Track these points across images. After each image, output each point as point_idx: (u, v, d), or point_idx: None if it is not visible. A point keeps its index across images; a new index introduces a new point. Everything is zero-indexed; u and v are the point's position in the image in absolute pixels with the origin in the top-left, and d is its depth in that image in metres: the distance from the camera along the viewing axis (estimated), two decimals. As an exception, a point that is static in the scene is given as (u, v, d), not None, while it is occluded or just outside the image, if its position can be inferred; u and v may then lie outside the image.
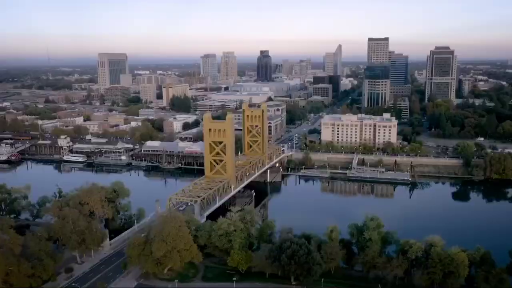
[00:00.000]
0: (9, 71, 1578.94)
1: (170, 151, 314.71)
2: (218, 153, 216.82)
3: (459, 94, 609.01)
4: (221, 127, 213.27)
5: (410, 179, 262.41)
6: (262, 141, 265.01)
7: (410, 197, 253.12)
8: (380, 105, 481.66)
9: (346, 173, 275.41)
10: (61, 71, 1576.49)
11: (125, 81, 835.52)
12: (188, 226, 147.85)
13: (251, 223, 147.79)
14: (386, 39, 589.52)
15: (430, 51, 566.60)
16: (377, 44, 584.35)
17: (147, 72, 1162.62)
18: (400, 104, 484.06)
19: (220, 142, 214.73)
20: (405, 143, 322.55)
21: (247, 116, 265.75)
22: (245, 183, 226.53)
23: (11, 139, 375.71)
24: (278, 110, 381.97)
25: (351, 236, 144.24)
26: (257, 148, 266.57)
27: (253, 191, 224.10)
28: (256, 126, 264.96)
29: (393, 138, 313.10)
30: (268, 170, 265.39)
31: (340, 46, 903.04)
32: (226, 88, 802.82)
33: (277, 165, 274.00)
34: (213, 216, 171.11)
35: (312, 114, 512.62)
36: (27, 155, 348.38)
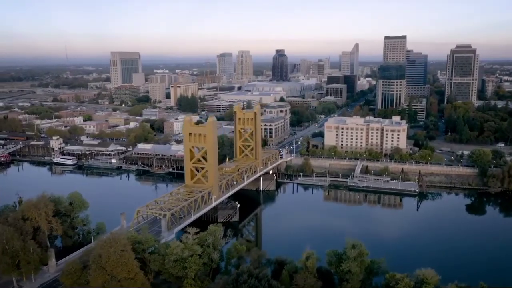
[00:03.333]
0: (33, 69, 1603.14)
1: (162, 155, 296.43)
2: (199, 160, 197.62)
3: (481, 95, 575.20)
4: (201, 131, 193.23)
5: (417, 190, 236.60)
6: (255, 146, 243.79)
7: (417, 210, 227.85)
8: (394, 106, 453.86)
9: (347, 182, 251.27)
10: (82, 70, 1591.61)
11: (137, 80, 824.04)
12: (142, 248, 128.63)
13: (214, 246, 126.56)
14: (404, 37, 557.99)
15: (451, 50, 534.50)
16: (394, 42, 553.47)
17: (167, 71, 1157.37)
18: (416, 105, 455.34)
19: (202, 148, 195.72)
20: (416, 149, 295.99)
21: (239, 118, 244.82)
22: (230, 193, 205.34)
23: (6, 139, 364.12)
24: (281, 111, 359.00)
25: (329, 265, 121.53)
26: (250, 153, 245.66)
27: (237, 202, 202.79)
28: (249, 129, 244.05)
29: (402, 143, 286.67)
30: (261, 178, 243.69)
31: (357, 45, 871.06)
32: (240, 88, 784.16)
33: (270, 172, 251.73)
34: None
35: (323, 116, 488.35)
36: (18, 156, 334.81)
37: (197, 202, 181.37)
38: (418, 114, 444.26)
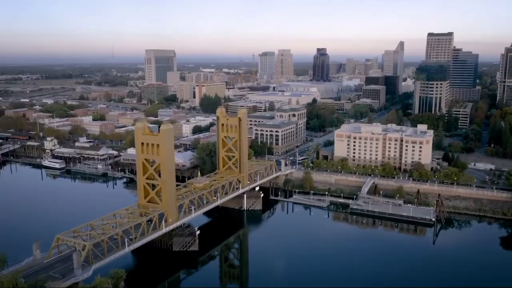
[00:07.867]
0: (90, 68, 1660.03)
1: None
2: (153, 175, 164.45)
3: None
4: (154, 141, 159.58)
5: (433, 218, 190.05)
6: (239, 157, 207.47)
7: (433, 243, 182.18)
8: (433, 111, 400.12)
9: (349, 204, 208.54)
10: (135, 68, 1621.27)
11: (172, 79, 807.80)
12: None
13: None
14: (449, 34, 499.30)
15: (505, 49, 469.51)
16: (438, 40, 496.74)
17: (213, 70, 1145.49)
18: (459, 111, 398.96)
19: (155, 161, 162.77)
20: (445, 164, 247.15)
21: (222, 124, 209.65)
22: (193, 215, 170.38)
23: (7, 138, 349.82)
24: (293, 115, 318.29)
25: None
26: (234, 165, 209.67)
27: (196, 228, 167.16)
28: (233, 137, 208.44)
29: (426, 157, 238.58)
30: (245, 195, 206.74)
31: (401, 43, 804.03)
32: (274, 88, 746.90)
33: (256, 189, 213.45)
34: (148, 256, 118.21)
35: (352, 120, 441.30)
36: (12, 157, 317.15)
37: (140, 228, 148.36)
38: (460, 121, 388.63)
